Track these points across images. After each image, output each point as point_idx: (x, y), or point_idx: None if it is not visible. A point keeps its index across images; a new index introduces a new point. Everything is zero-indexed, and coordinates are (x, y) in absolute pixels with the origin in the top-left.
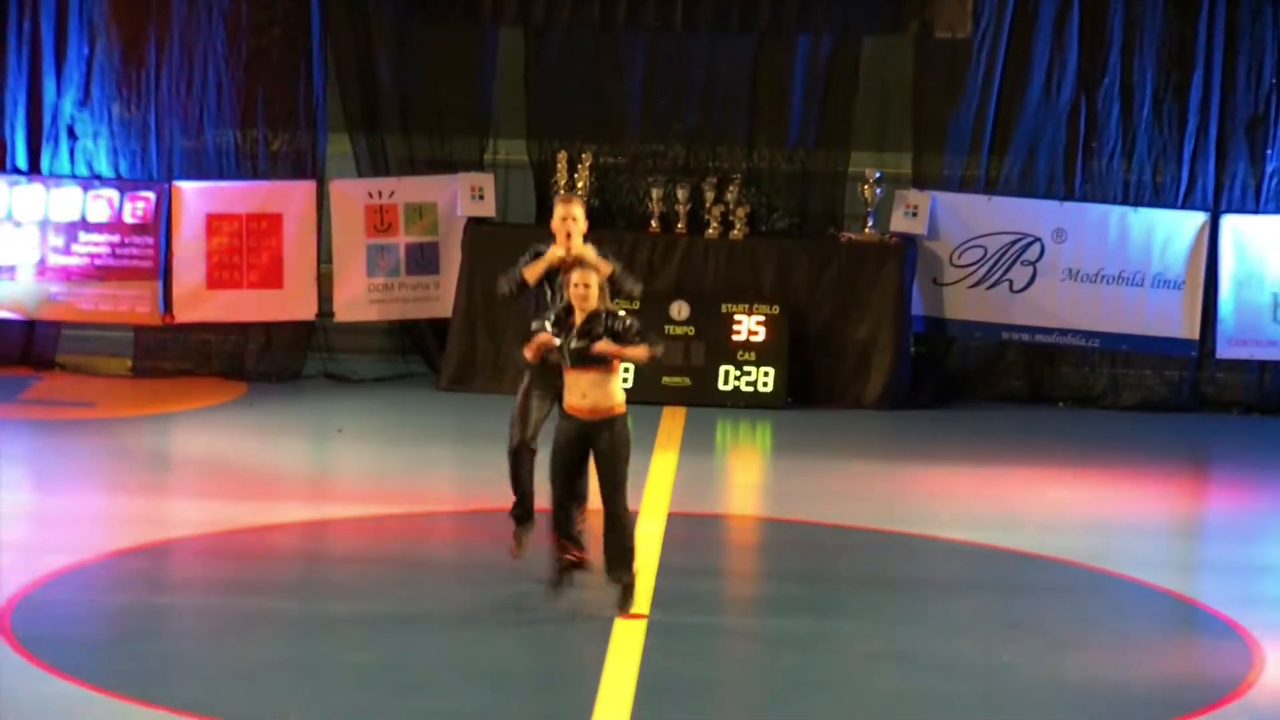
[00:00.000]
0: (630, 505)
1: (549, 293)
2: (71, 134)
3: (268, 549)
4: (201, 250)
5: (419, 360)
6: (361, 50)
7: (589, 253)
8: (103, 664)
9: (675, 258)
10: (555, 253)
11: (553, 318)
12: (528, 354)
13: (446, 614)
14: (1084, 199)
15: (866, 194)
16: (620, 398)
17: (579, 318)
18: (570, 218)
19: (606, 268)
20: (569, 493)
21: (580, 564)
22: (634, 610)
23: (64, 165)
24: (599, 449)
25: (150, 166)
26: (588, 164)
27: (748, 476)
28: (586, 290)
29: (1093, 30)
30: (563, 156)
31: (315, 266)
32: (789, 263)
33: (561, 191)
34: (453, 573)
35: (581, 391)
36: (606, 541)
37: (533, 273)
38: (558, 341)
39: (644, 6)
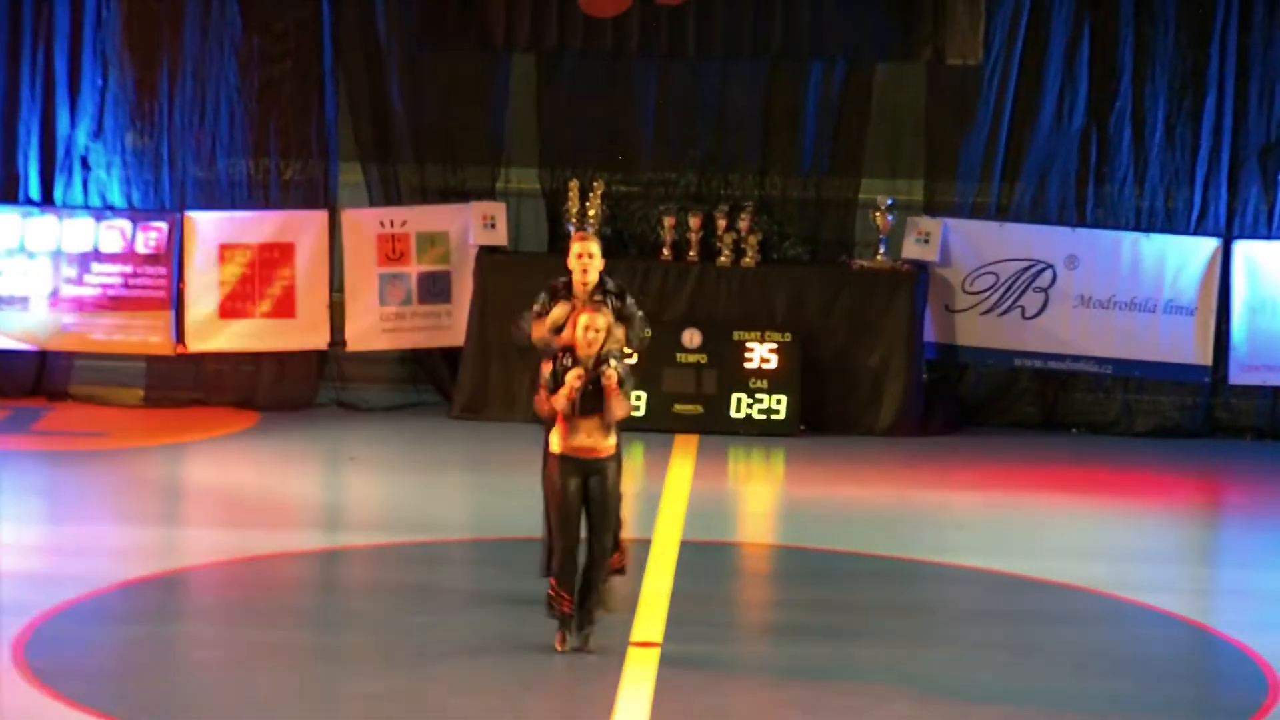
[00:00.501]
0: (637, 534)
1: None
2: (84, 165)
3: (280, 578)
4: (214, 280)
5: (431, 389)
6: (373, 79)
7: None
8: (117, 695)
9: (687, 285)
10: (559, 312)
11: (555, 367)
12: (561, 403)
13: (460, 643)
14: (1096, 225)
15: (878, 221)
16: (614, 440)
17: (586, 360)
18: (586, 254)
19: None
20: (578, 537)
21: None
22: (647, 639)
23: (77, 196)
24: (596, 488)
25: (163, 197)
26: (600, 192)
27: (761, 504)
28: (597, 335)
29: (1104, 56)
30: (575, 185)
31: (327, 296)
32: (801, 290)
33: (575, 225)
34: (466, 601)
35: (586, 432)
36: (587, 578)
37: (539, 332)
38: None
39: (656, 34)
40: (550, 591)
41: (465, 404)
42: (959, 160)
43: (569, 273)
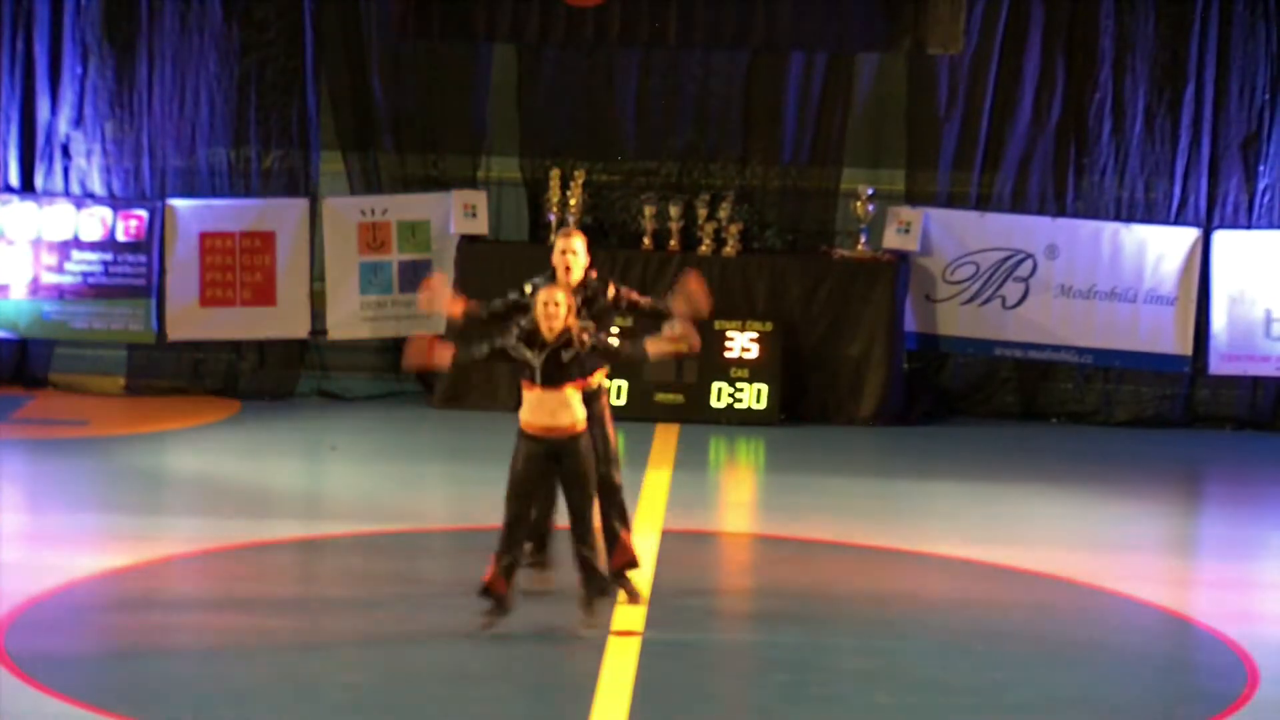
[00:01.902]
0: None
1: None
2: (65, 152)
3: (261, 567)
4: (194, 268)
5: (412, 378)
6: (354, 68)
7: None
8: (97, 683)
9: (668, 275)
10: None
11: (520, 335)
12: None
13: (440, 632)
14: (1076, 215)
15: (859, 210)
16: (582, 415)
17: (549, 336)
18: (570, 250)
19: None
20: (524, 515)
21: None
22: (628, 628)
23: (57, 184)
24: (568, 467)
25: (143, 185)
26: (580, 181)
27: (741, 493)
28: (555, 309)
29: (1084, 47)
30: (556, 174)
31: (308, 284)
32: (782, 280)
33: (556, 215)
34: (446, 590)
35: (550, 410)
36: (583, 559)
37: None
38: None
39: (638, 23)
40: (488, 566)
41: (446, 393)
42: (940, 150)
43: (549, 269)
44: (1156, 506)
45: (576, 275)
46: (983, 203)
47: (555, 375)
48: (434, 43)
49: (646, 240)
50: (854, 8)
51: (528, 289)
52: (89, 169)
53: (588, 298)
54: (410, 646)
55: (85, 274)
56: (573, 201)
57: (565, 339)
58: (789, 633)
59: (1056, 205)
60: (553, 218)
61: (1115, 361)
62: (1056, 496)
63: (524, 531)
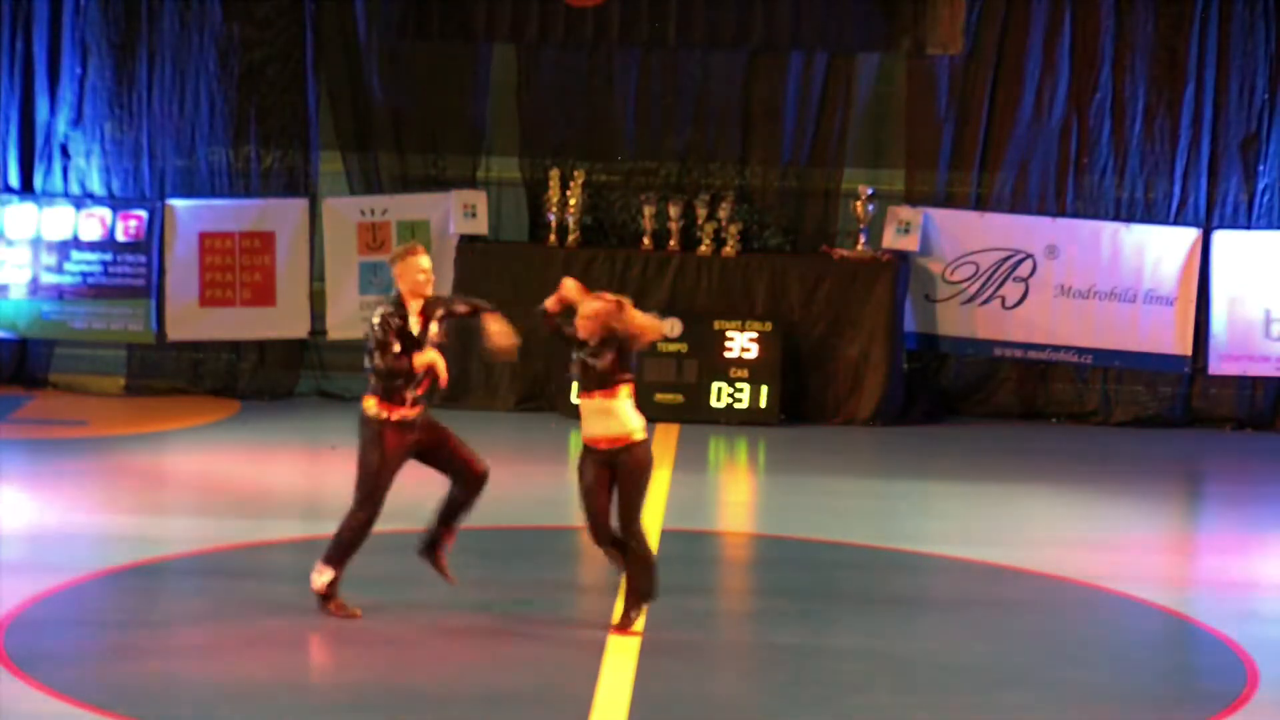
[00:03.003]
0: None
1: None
2: (64, 153)
3: (261, 567)
4: (194, 268)
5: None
6: (354, 68)
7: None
8: (97, 683)
9: (668, 275)
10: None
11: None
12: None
13: (439, 631)
14: (1076, 215)
15: (859, 211)
16: (635, 424)
17: (594, 341)
18: (428, 270)
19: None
20: (596, 518)
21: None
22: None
23: (57, 184)
24: (619, 474)
25: (143, 185)
26: (580, 181)
27: (741, 493)
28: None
29: (1084, 47)
30: (555, 174)
31: (308, 284)
32: (781, 280)
33: (555, 214)
34: (446, 590)
35: (589, 420)
36: (634, 566)
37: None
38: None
39: (637, 23)
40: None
41: (446, 393)
42: (939, 150)
43: (394, 292)
44: (1156, 506)
45: (428, 290)
46: (982, 203)
47: (591, 381)
48: (434, 43)
49: (646, 240)
50: (854, 8)
51: (377, 318)
52: (88, 169)
53: (449, 311)
54: (410, 647)
55: (85, 274)
56: (572, 201)
57: (605, 344)
58: (788, 632)
59: (1056, 205)
60: (552, 217)
61: (1115, 361)
62: (1056, 496)
63: (605, 528)
